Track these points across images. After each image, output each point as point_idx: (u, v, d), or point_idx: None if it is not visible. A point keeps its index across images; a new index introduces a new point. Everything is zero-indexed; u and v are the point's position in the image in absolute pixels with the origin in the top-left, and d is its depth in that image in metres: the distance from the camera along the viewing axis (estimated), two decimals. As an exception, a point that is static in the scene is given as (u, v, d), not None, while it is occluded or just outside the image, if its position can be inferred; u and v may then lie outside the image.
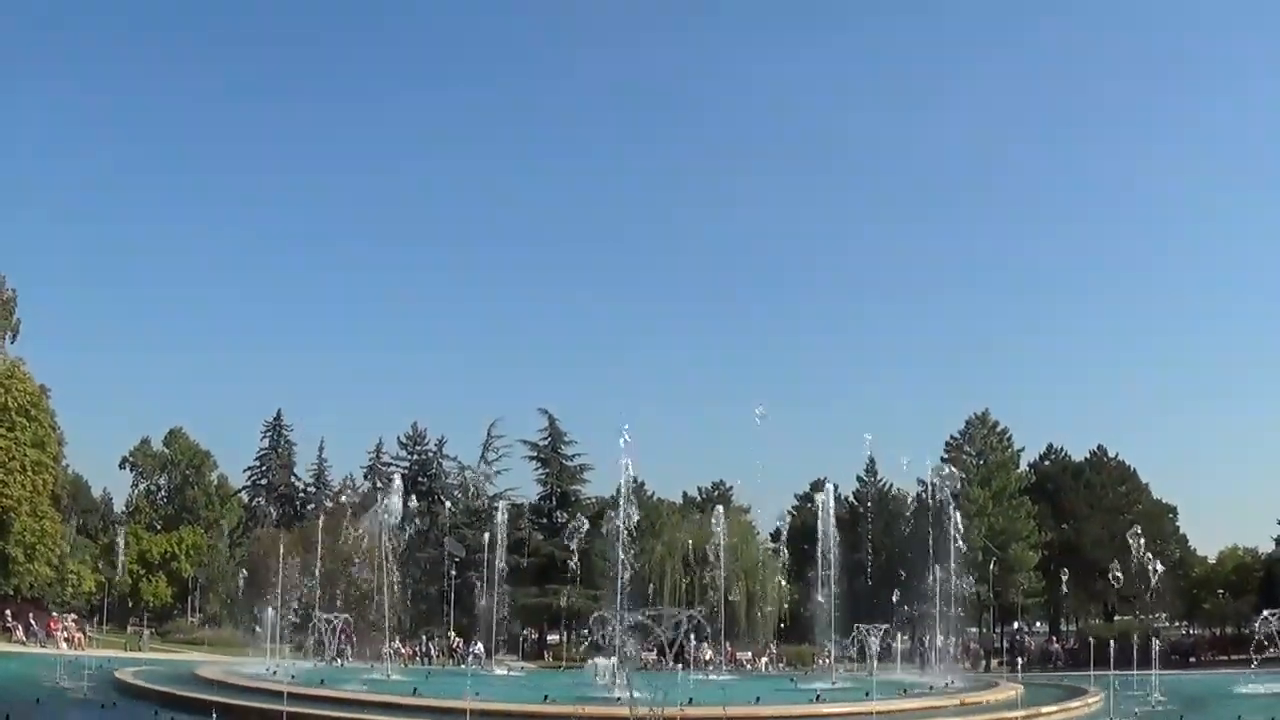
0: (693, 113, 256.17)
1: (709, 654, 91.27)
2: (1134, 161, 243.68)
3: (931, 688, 58.95)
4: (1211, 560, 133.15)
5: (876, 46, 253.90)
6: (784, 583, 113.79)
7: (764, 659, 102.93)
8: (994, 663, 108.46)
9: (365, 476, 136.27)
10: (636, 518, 70.26)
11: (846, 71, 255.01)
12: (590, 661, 57.28)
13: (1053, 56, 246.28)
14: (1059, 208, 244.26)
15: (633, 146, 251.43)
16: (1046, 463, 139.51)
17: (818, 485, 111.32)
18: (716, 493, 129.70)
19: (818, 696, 50.64)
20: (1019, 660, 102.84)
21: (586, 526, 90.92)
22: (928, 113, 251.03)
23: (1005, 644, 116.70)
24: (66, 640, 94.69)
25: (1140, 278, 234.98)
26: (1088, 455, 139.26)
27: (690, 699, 41.34)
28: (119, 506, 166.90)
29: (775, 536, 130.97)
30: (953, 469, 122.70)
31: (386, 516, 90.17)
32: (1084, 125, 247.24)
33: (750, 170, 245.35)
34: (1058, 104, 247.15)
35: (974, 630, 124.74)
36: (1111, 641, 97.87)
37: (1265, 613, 77.19)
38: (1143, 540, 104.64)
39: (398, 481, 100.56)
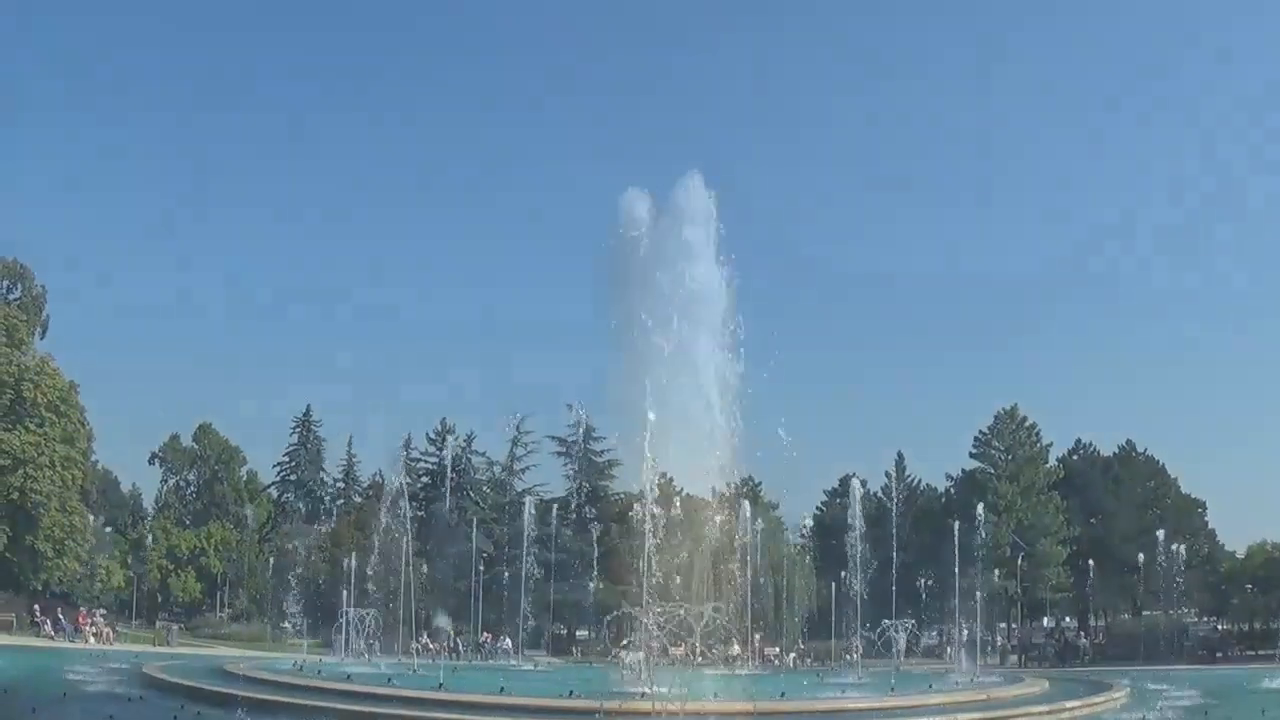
0: (708, 112, 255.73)
1: (736, 649, 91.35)
2: (1160, 155, 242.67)
3: (957, 683, 58.83)
4: (1240, 555, 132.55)
5: (905, 41, 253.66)
6: (812, 578, 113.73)
7: (791, 654, 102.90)
8: (1022, 657, 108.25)
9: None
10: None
11: (885, 70, 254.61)
12: (619, 656, 57.28)
13: (1087, 43, 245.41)
14: (1086, 200, 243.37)
15: (651, 148, 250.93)
16: (1075, 457, 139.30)
17: (846, 482, 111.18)
18: (745, 488, 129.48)
19: (843, 691, 50.65)
20: (1046, 655, 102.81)
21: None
22: (956, 98, 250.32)
23: (1038, 639, 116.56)
24: (95, 635, 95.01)
25: (1167, 271, 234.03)
26: (1116, 450, 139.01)
27: (715, 693, 41.38)
28: (148, 502, 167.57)
29: (803, 533, 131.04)
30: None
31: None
32: (1111, 115, 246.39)
33: (772, 167, 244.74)
34: (1088, 90, 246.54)
35: (1002, 625, 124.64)
36: (1140, 636, 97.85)
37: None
38: (1179, 546, 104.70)
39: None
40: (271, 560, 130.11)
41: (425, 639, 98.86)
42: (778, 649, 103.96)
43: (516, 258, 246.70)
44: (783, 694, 45.40)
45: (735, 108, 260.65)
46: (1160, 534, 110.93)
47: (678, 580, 47.99)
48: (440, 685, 47.77)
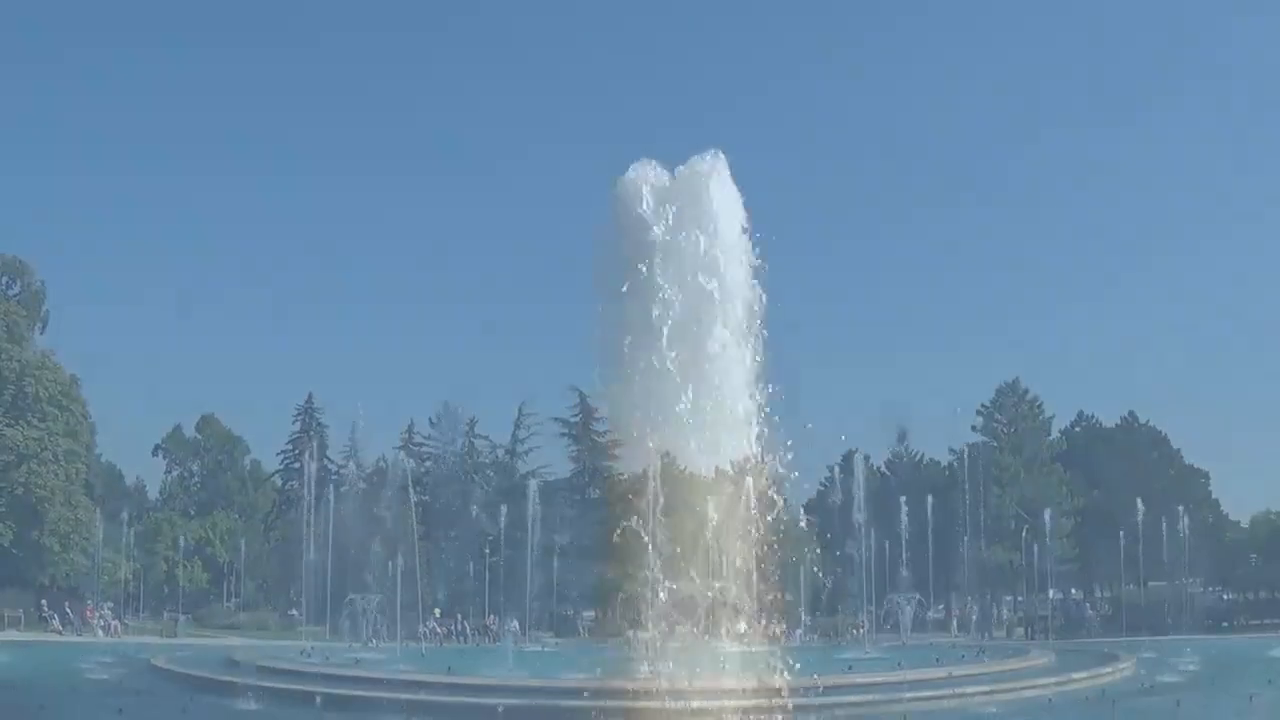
0: (700, 101, 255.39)
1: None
2: (1165, 129, 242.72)
3: (963, 656, 59.01)
4: (1245, 525, 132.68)
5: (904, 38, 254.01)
6: (818, 553, 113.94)
7: (798, 630, 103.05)
8: (1028, 629, 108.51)
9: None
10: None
11: (893, 66, 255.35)
12: (625, 635, 57.42)
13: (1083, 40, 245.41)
14: (1088, 175, 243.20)
15: (635, 145, 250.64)
16: (1077, 430, 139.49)
17: (850, 457, 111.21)
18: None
19: (850, 667, 50.79)
20: (1052, 627, 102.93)
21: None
22: (957, 94, 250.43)
23: (1043, 611, 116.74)
24: (102, 628, 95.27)
25: (1169, 243, 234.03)
26: (1119, 422, 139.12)
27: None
28: (153, 494, 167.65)
29: (808, 508, 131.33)
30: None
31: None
32: (1114, 96, 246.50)
33: (783, 150, 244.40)
34: (1088, 72, 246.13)
35: (1008, 598, 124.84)
36: (1145, 607, 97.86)
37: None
38: (1184, 516, 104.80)
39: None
40: (277, 548, 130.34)
41: (432, 623, 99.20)
42: (784, 625, 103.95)
43: (519, 244, 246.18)
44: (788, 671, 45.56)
45: (734, 89, 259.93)
46: (1164, 505, 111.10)
47: (682, 559, 48.10)
48: (450, 669, 47.93)
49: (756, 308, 49.17)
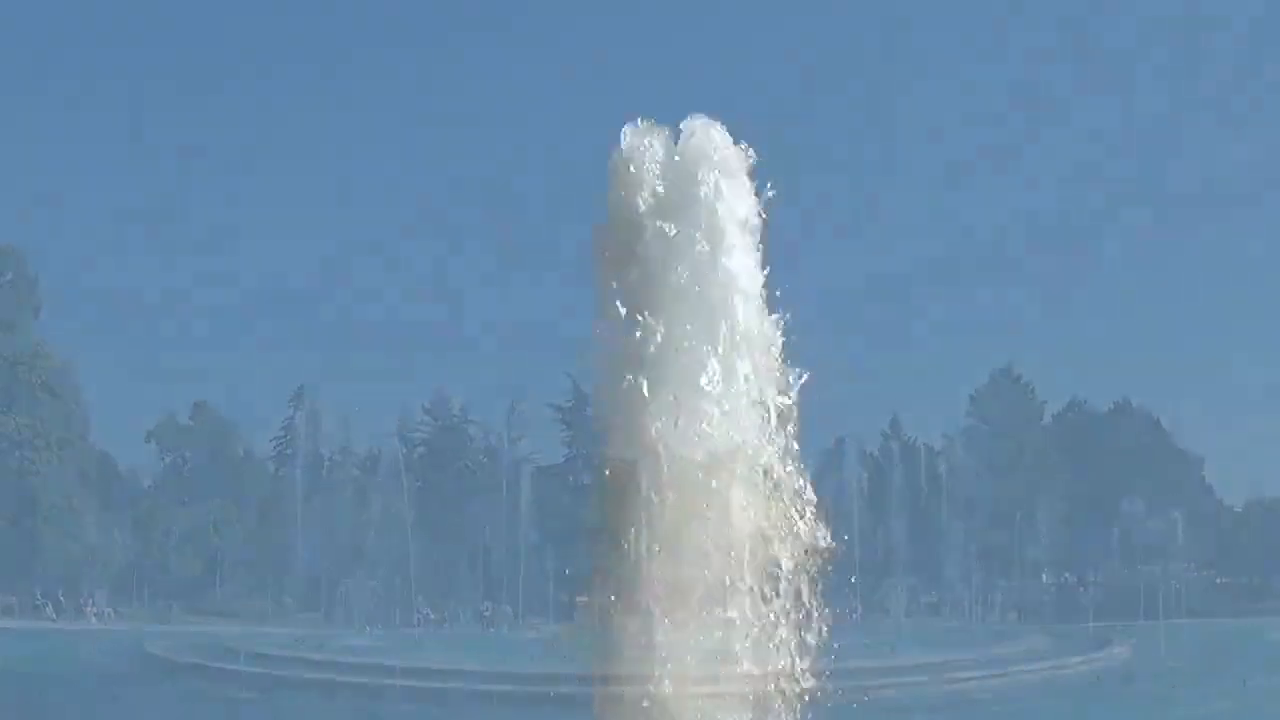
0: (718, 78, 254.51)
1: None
2: (1152, 106, 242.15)
3: (957, 640, 59.01)
4: (1238, 510, 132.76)
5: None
6: (813, 540, 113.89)
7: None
8: (1021, 613, 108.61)
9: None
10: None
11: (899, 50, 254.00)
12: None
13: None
14: (1081, 154, 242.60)
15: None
16: (1070, 415, 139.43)
17: (842, 442, 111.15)
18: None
19: (838, 650, 50.73)
20: (1045, 611, 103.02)
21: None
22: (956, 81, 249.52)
23: (1037, 596, 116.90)
24: (96, 616, 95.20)
25: (1162, 226, 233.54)
26: (1111, 407, 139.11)
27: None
28: (146, 482, 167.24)
29: (801, 494, 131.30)
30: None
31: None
32: (1103, 74, 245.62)
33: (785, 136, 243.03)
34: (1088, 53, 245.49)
35: (1001, 583, 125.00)
36: (1139, 591, 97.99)
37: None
38: (1177, 496, 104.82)
39: None
40: (270, 536, 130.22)
41: (425, 609, 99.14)
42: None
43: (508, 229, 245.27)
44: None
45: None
46: (1157, 490, 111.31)
47: (676, 546, 47.89)
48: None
49: (762, 287, 49.07)
